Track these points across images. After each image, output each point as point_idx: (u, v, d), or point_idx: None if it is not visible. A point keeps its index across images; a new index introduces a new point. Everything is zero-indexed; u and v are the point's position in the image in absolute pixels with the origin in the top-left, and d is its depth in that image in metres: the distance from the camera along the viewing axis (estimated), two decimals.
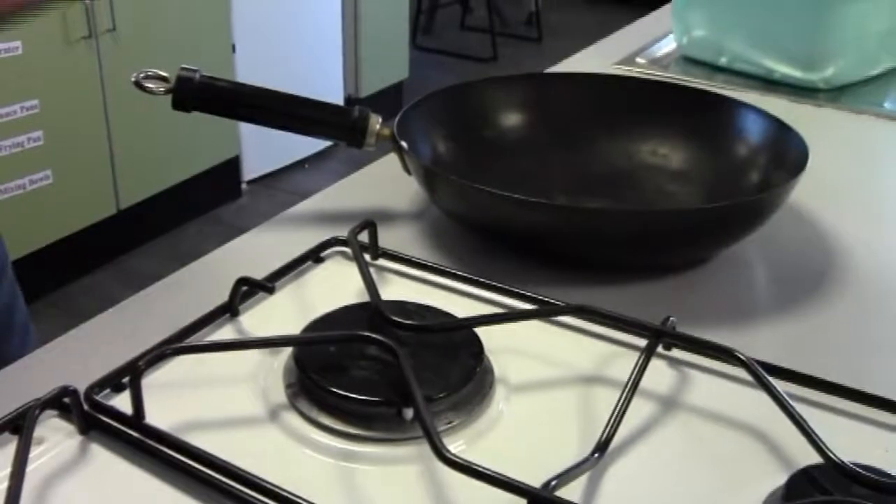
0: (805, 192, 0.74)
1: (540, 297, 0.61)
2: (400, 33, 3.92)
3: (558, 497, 0.42)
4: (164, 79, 0.75)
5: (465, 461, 0.44)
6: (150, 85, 0.75)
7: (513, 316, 0.59)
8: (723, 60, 1.19)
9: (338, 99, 3.46)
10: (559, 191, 0.83)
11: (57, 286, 2.53)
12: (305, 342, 0.54)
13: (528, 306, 0.62)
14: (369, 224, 0.67)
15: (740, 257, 0.72)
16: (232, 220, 3.00)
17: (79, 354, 0.58)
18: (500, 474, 0.43)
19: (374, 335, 0.52)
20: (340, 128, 0.76)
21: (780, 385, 0.51)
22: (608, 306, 0.58)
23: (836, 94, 1.13)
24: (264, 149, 3.16)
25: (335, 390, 0.51)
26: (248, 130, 3.03)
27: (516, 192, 0.65)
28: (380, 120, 0.76)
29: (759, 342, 0.61)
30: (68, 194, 2.48)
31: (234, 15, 2.96)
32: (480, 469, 0.44)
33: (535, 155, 0.86)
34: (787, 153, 0.74)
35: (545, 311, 0.60)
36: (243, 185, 3.20)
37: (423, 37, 5.06)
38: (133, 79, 0.75)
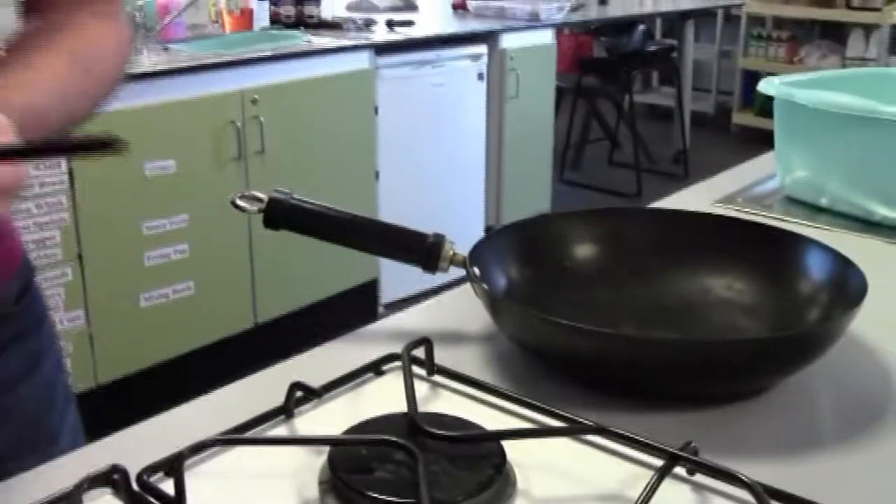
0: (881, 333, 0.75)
1: (570, 417, 0.64)
2: (543, 167, 4.00)
3: None
4: (258, 199, 0.82)
5: None
6: (244, 204, 0.82)
7: (536, 432, 0.63)
8: (823, 201, 1.21)
9: (478, 229, 3.55)
10: (629, 322, 0.86)
11: (194, 393, 2.64)
12: (336, 443, 0.59)
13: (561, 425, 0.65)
14: (425, 341, 0.71)
15: (800, 389, 0.73)
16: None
17: (151, 441, 0.63)
18: None
19: (398, 440, 0.56)
20: (416, 252, 0.81)
21: None
22: (662, 433, 0.60)
23: None
24: (402, 273, 3.24)
25: (358, 489, 0.54)
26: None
27: (585, 322, 0.69)
28: (454, 246, 0.81)
29: (807, 474, 0.62)
30: (209, 305, 2.61)
31: (380, 143, 3.10)
32: None
33: (609, 287, 0.89)
34: (849, 288, 0.76)
35: (567, 430, 0.62)
36: (380, 308, 3.29)
37: (570, 172, 5.15)
38: (230, 198, 0.82)
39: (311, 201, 0.83)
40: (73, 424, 0.94)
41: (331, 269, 2.97)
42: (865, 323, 0.79)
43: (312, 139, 2.85)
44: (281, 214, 0.81)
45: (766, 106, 4.79)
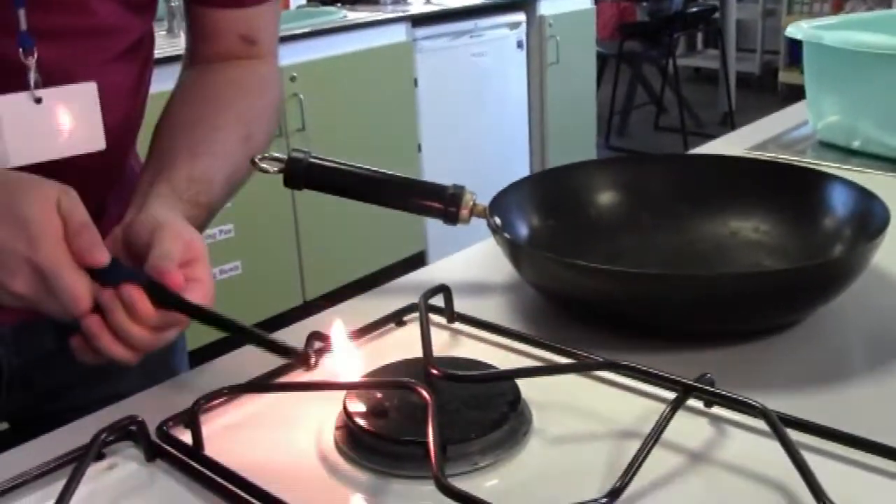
0: None
1: (586, 355, 0.64)
2: (588, 133, 3.98)
3: None
4: (279, 160, 0.83)
5: (461, 490, 0.47)
6: (265, 165, 0.82)
7: (549, 369, 0.63)
8: (856, 144, 1.19)
9: None
10: (653, 266, 0.85)
11: None
12: (350, 387, 0.59)
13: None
14: (444, 289, 0.72)
15: (823, 325, 0.72)
16: None
17: (173, 399, 0.65)
18: None
19: (412, 382, 0.56)
20: (437, 203, 0.81)
21: (814, 441, 0.53)
22: (680, 370, 0.60)
23: None
24: (450, 245, 3.25)
25: (371, 430, 0.55)
26: (433, 227, 3.14)
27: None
28: (475, 197, 0.81)
29: (827, 406, 0.61)
30: (257, 284, 2.64)
31: (421, 115, 3.10)
32: (474, 498, 0.47)
33: (634, 234, 0.88)
34: (872, 219, 0.75)
35: (580, 366, 0.63)
36: None
37: (616, 138, 5.11)
38: (251, 160, 0.82)
39: (331, 159, 0.83)
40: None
41: (378, 243, 2.98)
42: (892, 259, 0.78)
43: (353, 115, 2.86)
44: (300, 173, 0.82)
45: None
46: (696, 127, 5.09)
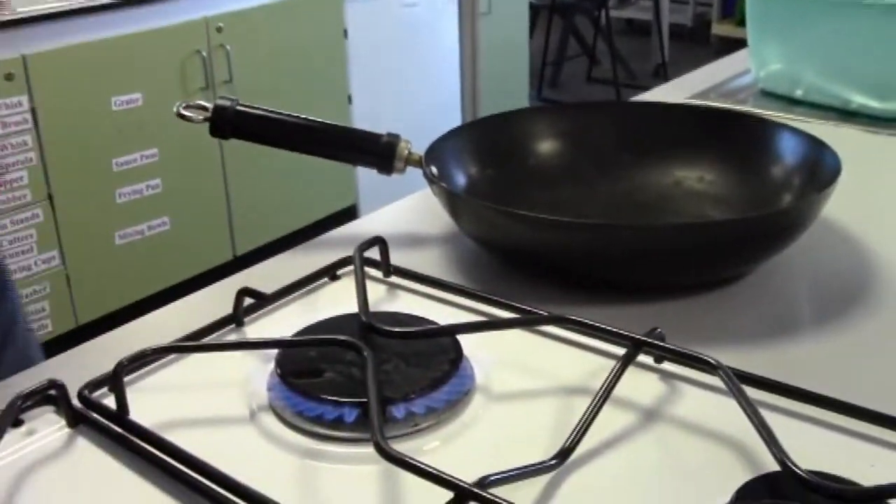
0: (857, 218, 0.75)
1: (528, 309, 0.61)
2: (520, 85, 3.95)
3: (486, 493, 0.42)
4: (203, 108, 0.78)
5: (400, 454, 0.44)
6: (189, 114, 0.78)
7: (492, 324, 0.60)
8: (799, 93, 1.17)
9: None
10: (596, 217, 0.82)
11: None
12: (282, 345, 0.56)
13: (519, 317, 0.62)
14: (379, 241, 0.68)
15: (773, 277, 0.70)
16: None
17: (96, 360, 0.60)
18: (433, 469, 0.43)
19: (347, 339, 0.53)
20: (370, 153, 0.78)
21: (769, 398, 0.51)
22: (628, 324, 0.58)
23: None
24: (381, 198, 3.21)
25: (305, 391, 0.52)
26: (364, 180, 3.09)
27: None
28: (410, 146, 0.78)
29: (780, 360, 0.59)
30: (186, 240, 2.57)
31: (351, 67, 3.04)
32: (414, 463, 0.44)
33: (576, 184, 0.85)
34: (822, 169, 0.73)
35: (524, 321, 0.60)
36: None
37: (548, 89, 5.09)
38: (175, 109, 0.78)
39: (259, 106, 0.79)
40: None
41: (308, 196, 2.93)
42: (841, 210, 0.77)
43: (282, 66, 2.79)
44: (227, 122, 0.78)
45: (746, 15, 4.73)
46: (628, 79, 5.08)
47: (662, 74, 5.11)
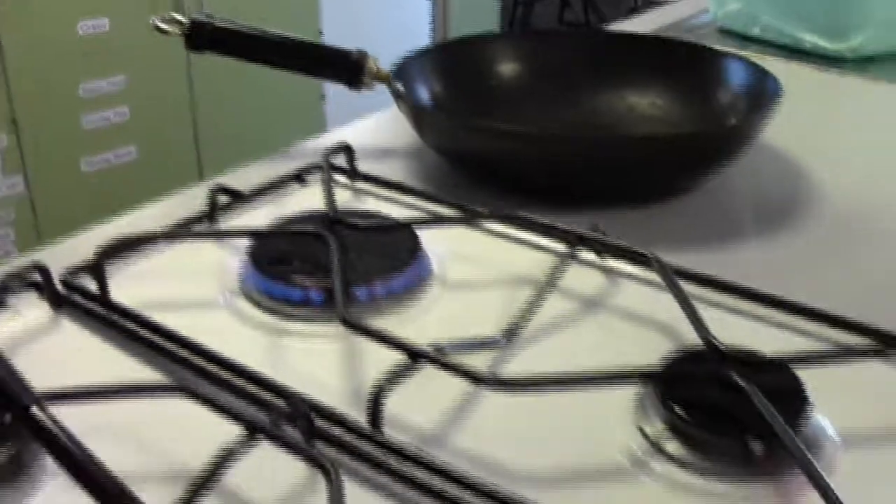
0: (800, 147, 0.81)
1: (478, 210, 0.65)
2: (490, 26, 3.96)
3: (434, 354, 0.47)
4: (180, 22, 0.81)
5: (359, 323, 0.49)
6: (165, 26, 0.81)
7: (449, 219, 0.64)
8: (755, 31, 1.22)
9: None
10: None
11: None
12: (254, 234, 0.60)
13: None
14: (346, 148, 0.72)
15: (721, 191, 0.75)
16: None
17: (78, 253, 0.64)
18: (390, 334, 0.48)
19: (313, 229, 0.57)
20: (340, 68, 0.81)
21: (700, 291, 0.56)
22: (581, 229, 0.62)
23: (864, 64, 1.14)
24: (349, 126, 3.23)
25: (276, 276, 0.56)
26: (333, 108, 3.10)
27: None
28: (378, 62, 0.81)
29: (718, 262, 0.64)
30: (154, 169, 2.59)
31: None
32: (373, 329, 0.48)
33: (535, 105, 0.90)
34: (765, 93, 0.77)
35: (478, 215, 0.64)
36: None
37: (519, 30, 5.09)
38: (151, 22, 0.81)
39: (234, 21, 0.82)
40: None
41: (277, 121, 2.93)
42: (787, 140, 0.82)
43: None
44: (204, 36, 0.81)
45: None
46: (599, 22, 5.10)
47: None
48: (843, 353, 0.51)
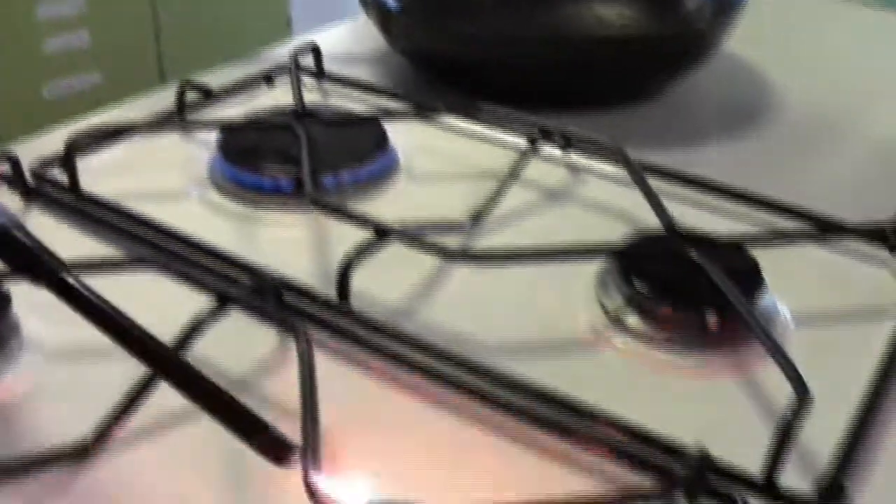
0: (765, 59, 0.83)
1: (444, 105, 0.66)
2: None
3: (401, 229, 0.48)
4: None
5: (325, 201, 0.50)
6: None
7: (416, 113, 0.65)
8: None
9: None
10: None
11: None
12: (223, 126, 0.60)
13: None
14: (314, 49, 0.73)
15: (687, 97, 0.77)
16: None
17: (41, 147, 0.64)
18: (357, 212, 0.49)
19: (283, 121, 0.57)
20: None
21: (662, 185, 0.57)
22: None
23: None
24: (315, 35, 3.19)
25: (246, 165, 0.57)
26: (299, 12, 3.06)
27: None
28: None
29: (691, 163, 0.64)
30: (119, 97, 2.55)
31: None
32: (341, 207, 0.49)
33: (502, 16, 0.90)
34: (730, 3, 0.78)
35: (444, 107, 0.65)
36: None
37: None
38: None
39: None
40: None
41: (242, 37, 2.88)
42: (755, 53, 0.83)
43: None
44: None
45: None
46: None
47: None
48: (791, 235, 0.53)
